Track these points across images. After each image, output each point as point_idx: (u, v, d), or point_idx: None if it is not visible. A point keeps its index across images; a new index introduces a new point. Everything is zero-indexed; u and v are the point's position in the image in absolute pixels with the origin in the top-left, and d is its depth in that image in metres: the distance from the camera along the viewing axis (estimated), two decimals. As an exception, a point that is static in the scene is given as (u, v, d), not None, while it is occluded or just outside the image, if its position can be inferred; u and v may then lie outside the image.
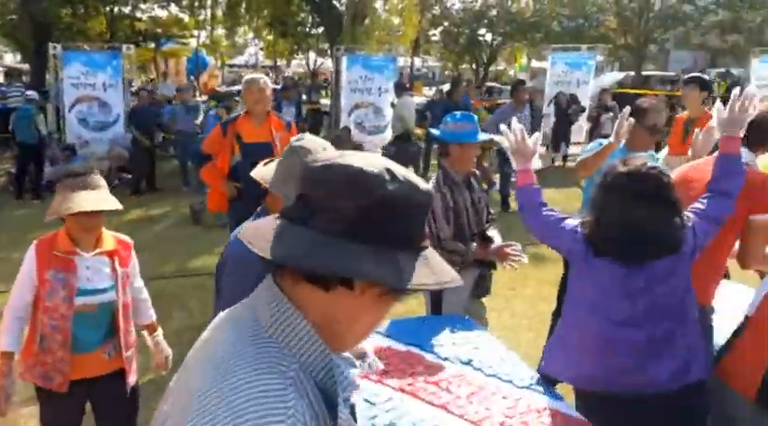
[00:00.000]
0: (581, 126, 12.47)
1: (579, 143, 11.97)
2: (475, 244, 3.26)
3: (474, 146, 3.26)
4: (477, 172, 3.50)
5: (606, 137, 4.93)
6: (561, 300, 3.78)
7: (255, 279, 1.00)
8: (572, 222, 2.37)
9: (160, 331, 2.86)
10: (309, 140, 1.85)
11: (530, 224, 2.49)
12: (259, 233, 0.94)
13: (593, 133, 11.41)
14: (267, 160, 1.95)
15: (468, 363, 2.41)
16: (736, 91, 2.47)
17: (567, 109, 11.88)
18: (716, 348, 2.49)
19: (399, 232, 0.91)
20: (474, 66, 27.02)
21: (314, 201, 0.92)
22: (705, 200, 2.33)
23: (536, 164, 2.59)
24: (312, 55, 27.43)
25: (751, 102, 2.42)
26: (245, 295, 1.00)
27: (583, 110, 12.35)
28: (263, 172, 1.87)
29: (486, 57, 25.99)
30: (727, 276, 3.60)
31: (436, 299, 3.33)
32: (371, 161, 0.93)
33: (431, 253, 0.97)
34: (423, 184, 0.95)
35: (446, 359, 2.44)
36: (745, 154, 3.00)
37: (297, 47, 26.72)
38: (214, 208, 4.70)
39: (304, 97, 15.25)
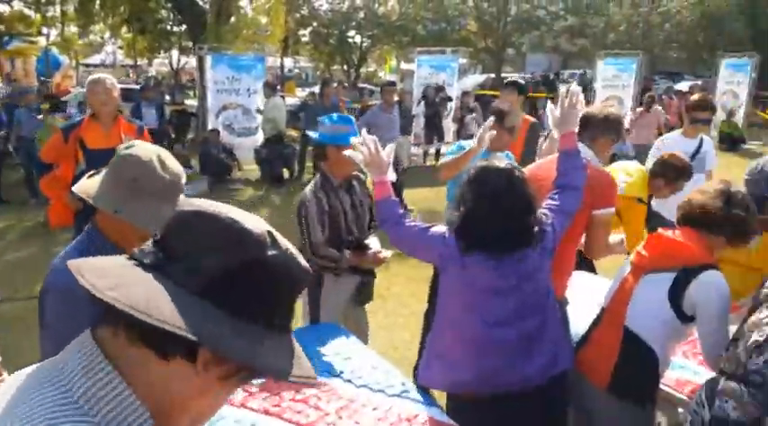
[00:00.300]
0: (448, 127, 12.85)
1: (447, 143, 12.32)
2: (348, 251, 3.19)
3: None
4: (362, 175, 3.43)
5: (471, 137, 5.08)
6: (433, 300, 3.81)
7: (88, 317, 0.83)
8: (438, 229, 2.35)
9: (5, 376, 2.45)
10: (140, 148, 1.66)
11: (394, 237, 2.43)
12: (98, 271, 0.77)
13: (460, 133, 11.79)
14: (92, 172, 1.73)
15: (339, 375, 2.33)
16: (563, 90, 2.58)
17: (434, 99, 12.17)
18: (573, 339, 2.59)
19: (267, 305, 0.79)
20: (345, 67, 27.15)
21: (176, 248, 0.78)
22: (556, 196, 2.42)
23: (391, 175, 2.52)
24: (175, 53, 26.20)
25: (577, 99, 2.52)
26: (76, 332, 0.83)
27: (450, 99, 12.71)
28: (87, 185, 1.65)
29: (357, 58, 26.20)
30: (592, 269, 3.81)
31: (314, 308, 3.23)
32: (253, 220, 0.82)
33: (295, 342, 0.86)
34: (303, 261, 0.85)
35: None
36: (583, 150, 3.20)
37: (158, 45, 25.40)
38: (57, 222, 4.25)
39: (168, 98, 14.51)
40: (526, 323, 2.23)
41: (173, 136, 12.34)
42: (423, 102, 12.17)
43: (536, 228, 2.23)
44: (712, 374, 2.43)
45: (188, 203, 0.84)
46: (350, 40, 25.24)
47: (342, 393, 2.21)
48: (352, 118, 3.30)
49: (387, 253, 3.19)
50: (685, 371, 2.44)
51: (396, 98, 9.45)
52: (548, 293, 2.33)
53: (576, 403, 2.40)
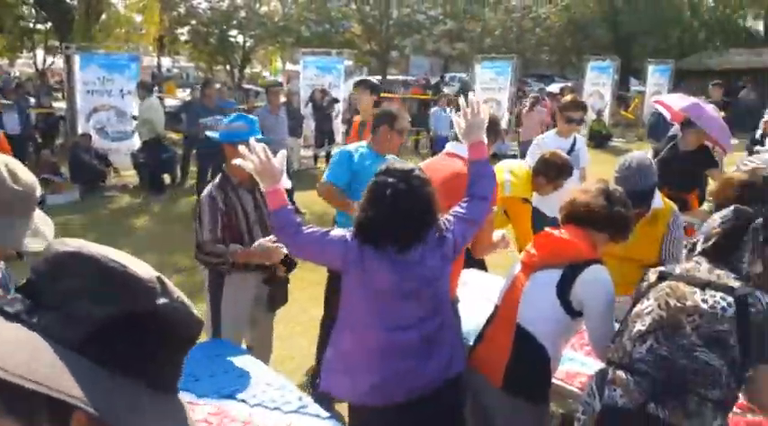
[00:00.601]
0: (338, 128, 12.81)
1: (338, 144, 12.26)
2: (239, 246, 3.07)
3: None
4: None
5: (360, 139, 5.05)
6: (328, 307, 3.74)
7: None
8: (338, 232, 2.32)
9: None
10: None
11: (293, 245, 2.36)
12: None
13: (349, 134, 11.77)
14: None
15: (231, 396, 2.19)
16: (462, 100, 2.59)
17: (322, 102, 12.09)
18: (464, 336, 2.62)
19: (155, 361, 0.69)
20: (228, 67, 26.35)
21: (49, 296, 0.66)
22: (464, 204, 2.42)
23: (286, 183, 2.43)
24: (40, 53, 24.24)
25: (479, 108, 2.55)
26: None
27: (336, 100, 12.67)
28: None
29: (240, 58, 25.51)
30: (483, 267, 3.90)
31: (215, 314, 3.12)
32: (140, 264, 0.71)
33: (183, 401, 0.75)
34: (195, 310, 0.74)
35: (203, 395, 2.18)
36: (463, 150, 3.26)
37: (20, 44, 23.37)
38: None
39: (33, 101, 13.36)
40: (426, 326, 2.24)
41: (39, 141, 11.38)
42: (310, 105, 12.05)
43: (437, 233, 2.24)
44: (600, 364, 2.55)
45: (62, 243, 0.70)
46: (232, 40, 24.50)
47: (236, 414, 2.08)
48: (254, 118, 3.23)
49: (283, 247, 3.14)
50: (574, 363, 2.53)
51: (282, 99, 9.29)
52: (447, 298, 2.36)
53: (472, 400, 2.42)
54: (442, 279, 2.29)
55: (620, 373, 1.88)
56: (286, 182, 2.42)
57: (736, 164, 4.97)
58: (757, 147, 8.56)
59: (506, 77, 15.13)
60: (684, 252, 2.12)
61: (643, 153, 3.01)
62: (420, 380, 2.21)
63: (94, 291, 0.66)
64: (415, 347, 2.22)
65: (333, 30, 23.96)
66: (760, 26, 30.75)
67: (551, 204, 4.70)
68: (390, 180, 2.20)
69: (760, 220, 1.94)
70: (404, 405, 2.19)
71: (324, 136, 12.05)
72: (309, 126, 11.98)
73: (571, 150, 4.84)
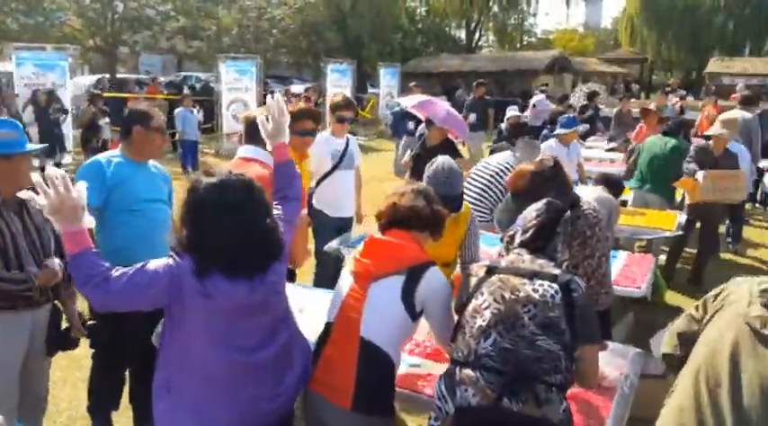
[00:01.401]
0: (72, 133, 11.37)
1: (76, 152, 10.91)
2: (35, 268, 2.64)
3: (23, 158, 2.63)
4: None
5: (105, 145, 4.47)
6: (96, 344, 3.24)
7: None
8: (156, 263, 1.97)
9: None
10: None
11: (103, 296, 1.90)
12: None
13: (91, 140, 10.51)
14: None
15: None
16: (270, 100, 2.43)
17: (48, 107, 10.59)
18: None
19: None
20: None
21: None
22: (281, 206, 2.29)
23: (89, 222, 1.94)
24: None
25: (283, 107, 2.42)
26: None
27: (66, 111, 11.25)
28: None
29: None
30: (292, 277, 3.76)
31: None
32: None
33: None
34: None
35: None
36: (254, 153, 3.13)
37: None
38: None
39: None
40: (280, 338, 2.11)
41: None
42: (31, 108, 10.48)
43: (278, 237, 2.09)
44: (418, 359, 2.60)
45: None
46: None
47: None
48: (18, 122, 2.75)
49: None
50: (402, 365, 2.51)
51: (-4, 102, 7.95)
52: (287, 305, 2.23)
53: (313, 423, 2.27)
54: (281, 284, 2.16)
55: (468, 371, 1.91)
56: (89, 221, 1.94)
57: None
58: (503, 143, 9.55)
59: (251, 77, 15.00)
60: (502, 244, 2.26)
61: (447, 157, 3.12)
62: (277, 400, 2.08)
63: None
64: (271, 364, 2.06)
65: (47, 22, 21.10)
66: (463, 34, 35.38)
67: (332, 204, 4.75)
68: (236, 196, 1.96)
69: (569, 213, 2.15)
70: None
71: (54, 141, 10.57)
72: (32, 132, 10.41)
73: (345, 150, 4.89)
